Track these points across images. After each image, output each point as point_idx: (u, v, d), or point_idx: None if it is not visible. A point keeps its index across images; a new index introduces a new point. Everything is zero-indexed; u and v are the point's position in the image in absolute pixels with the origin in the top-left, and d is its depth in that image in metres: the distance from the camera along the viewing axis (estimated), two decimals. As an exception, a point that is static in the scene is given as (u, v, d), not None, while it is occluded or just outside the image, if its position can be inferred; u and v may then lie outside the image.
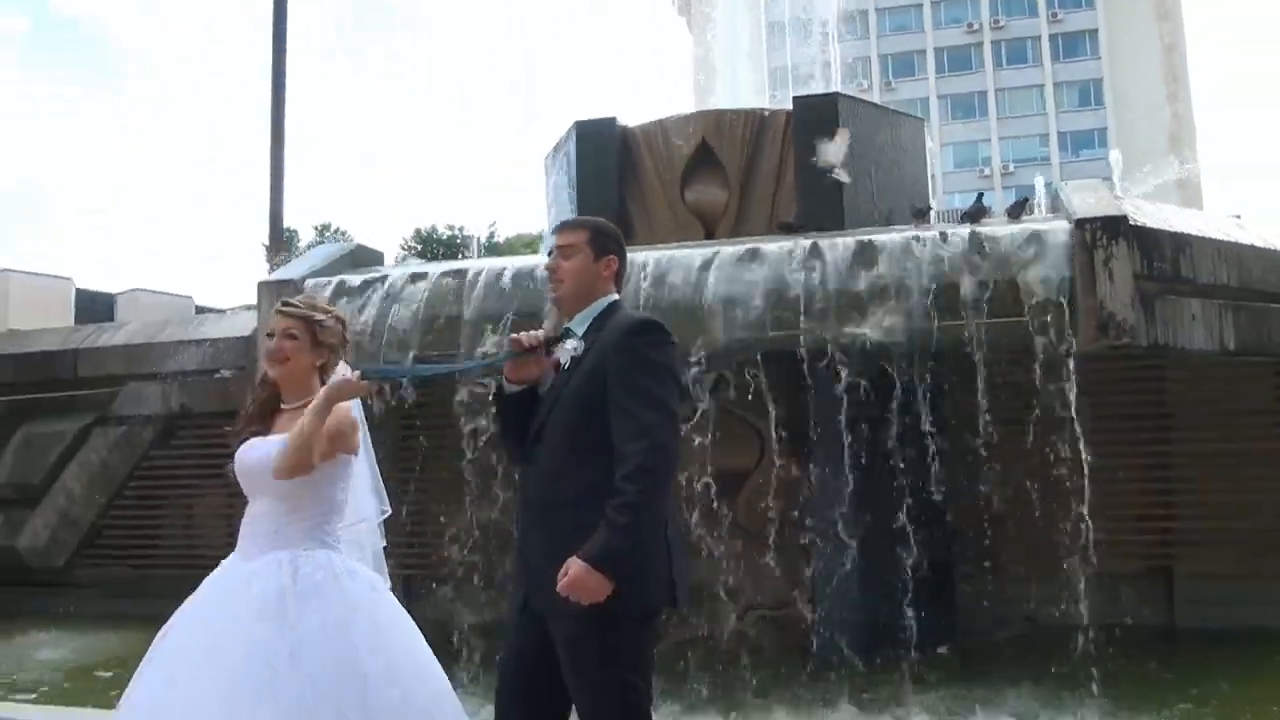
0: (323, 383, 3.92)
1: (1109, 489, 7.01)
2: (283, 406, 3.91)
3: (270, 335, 3.91)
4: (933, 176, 10.35)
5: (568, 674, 3.50)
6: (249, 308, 10.67)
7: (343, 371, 3.90)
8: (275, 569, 3.65)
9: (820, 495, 7.26)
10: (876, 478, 7.00)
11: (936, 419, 6.93)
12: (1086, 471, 6.54)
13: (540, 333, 3.76)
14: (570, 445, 3.55)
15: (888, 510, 6.92)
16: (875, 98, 72.62)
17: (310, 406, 3.70)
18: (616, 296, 3.80)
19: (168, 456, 9.70)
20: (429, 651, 3.82)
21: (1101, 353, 6.80)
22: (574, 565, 3.37)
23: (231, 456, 3.93)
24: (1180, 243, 7.32)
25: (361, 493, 4.04)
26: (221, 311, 13.72)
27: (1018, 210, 7.73)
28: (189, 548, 9.27)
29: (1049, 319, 6.58)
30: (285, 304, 3.96)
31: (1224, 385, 7.64)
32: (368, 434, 4.05)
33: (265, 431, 3.87)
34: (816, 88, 17.15)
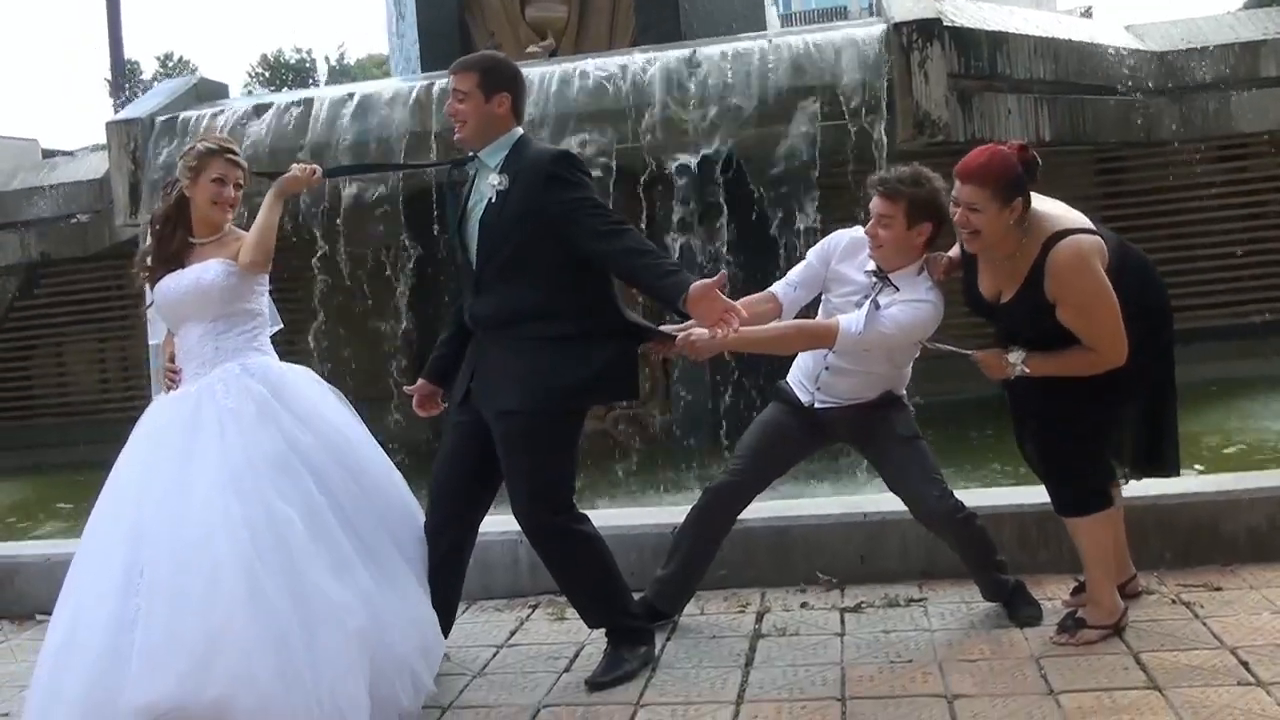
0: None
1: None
2: (192, 241, 4.03)
3: (220, 182, 3.97)
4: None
5: (503, 460, 3.91)
6: (98, 148, 10.51)
7: (293, 170, 4.08)
8: (229, 378, 3.83)
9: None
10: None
11: (776, 223, 7.32)
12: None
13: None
14: (520, 265, 3.85)
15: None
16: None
17: (265, 201, 3.92)
18: (520, 131, 4.03)
19: (33, 306, 9.66)
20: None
21: (921, 150, 7.22)
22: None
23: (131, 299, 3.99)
24: (997, 41, 7.69)
25: None
26: (70, 154, 13.42)
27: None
28: (62, 395, 9.35)
29: (868, 121, 6.95)
30: (232, 153, 4.05)
31: (1047, 174, 8.10)
32: None
33: (181, 268, 4.01)
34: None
